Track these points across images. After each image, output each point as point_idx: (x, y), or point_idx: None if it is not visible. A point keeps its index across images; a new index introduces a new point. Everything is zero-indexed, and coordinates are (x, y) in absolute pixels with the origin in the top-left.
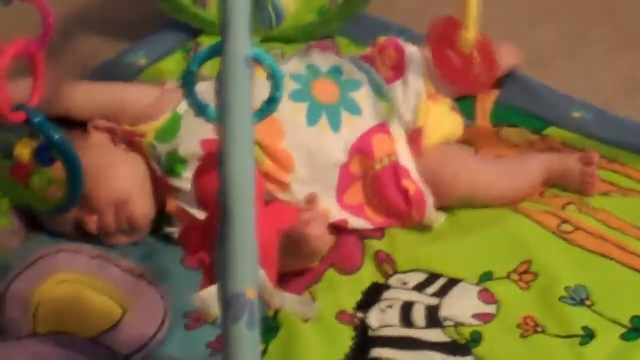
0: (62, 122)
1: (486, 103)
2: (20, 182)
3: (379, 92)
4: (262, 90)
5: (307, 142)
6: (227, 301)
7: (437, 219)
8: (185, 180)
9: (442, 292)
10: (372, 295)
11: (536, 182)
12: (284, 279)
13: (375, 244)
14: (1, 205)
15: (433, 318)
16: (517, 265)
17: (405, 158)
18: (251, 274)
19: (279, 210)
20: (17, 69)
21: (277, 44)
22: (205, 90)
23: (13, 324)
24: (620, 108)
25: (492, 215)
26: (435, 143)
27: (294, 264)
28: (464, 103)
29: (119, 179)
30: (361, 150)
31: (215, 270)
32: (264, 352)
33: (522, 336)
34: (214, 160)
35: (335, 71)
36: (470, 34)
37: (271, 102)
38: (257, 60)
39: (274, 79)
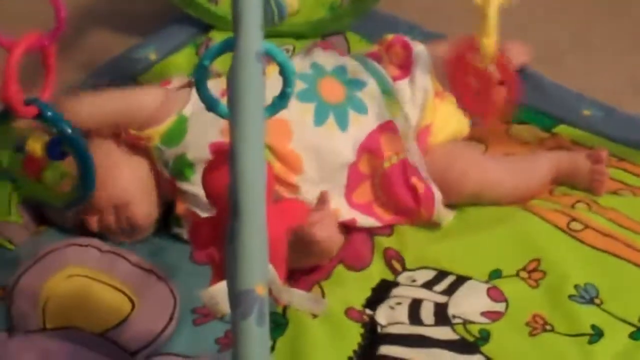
0: None
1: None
2: (33, 177)
3: (386, 90)
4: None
5: (316, 142)
6: (237, 297)
7: (446, 216)
8: (194, 184)
9: (450, 290)
10: (381, 293)
11: (545, 180)
12: (293, 275)
13: (385, 242)
14: (11, 200)
15: (442, 316)
16: (526, 263)
17: (414, 156)
18: (261, 270)
19: (289, 207)
20: (28, 64)
21: (288, 39)
22: (209, 88)
23: (22, 318)
24: (629, 106)
25: (501, 213)
26: (443, 141)
27: (304, 262)
28: None
29: (120, 181)
30: (369, 148)
31: (224, 267)
32: (272, 348)
33: (531, 334)
34: (224, 156)
35: (340, 70)
36: (490, 40)
37: (283, 98)
38: (268, 56)
39: (286, 74)
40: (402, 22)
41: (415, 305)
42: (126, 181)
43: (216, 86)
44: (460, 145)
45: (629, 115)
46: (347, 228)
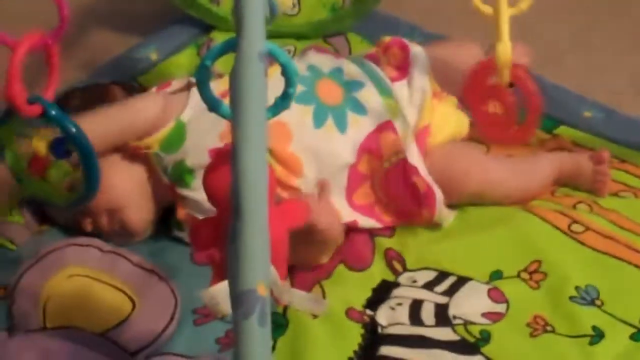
0: None
1: None
2: (38, 176)
3: (384, 91)
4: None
5: (315, 144)
6: (239, 297)
7: (448, 217)
8: (194, 190)
9: (451, 291)
10: (381, 293)
11: (547, 181)
12: (294, 275)
13: (386, 242)
14: (12, 199)
15: (442, 316)
16: (528, 264)
17: (413, 156)
18: (263, 270)
19: (290, 208)
20: (31, 63)
21: (289, 40)
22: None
23: (23, 317)
24: (630, 107)
25: (503, 214)
26: (442, 141)
27: (308, 256)
28: None
29: (113, 187)
30: (369, 149)
31: (225, 267)
32: (272, 348)
33: (532, 335)
34: (225, 156)
35: (337, 72)
36: (505, 45)
37: (285, 98)
38: (271, 56)
39: (288, 75)
40: (403, 23)
41: (415, 306)
42: (118, 187)
43: (216, 87)
44: (461, 146)
45: (630, 117)
46: (348, 229)
